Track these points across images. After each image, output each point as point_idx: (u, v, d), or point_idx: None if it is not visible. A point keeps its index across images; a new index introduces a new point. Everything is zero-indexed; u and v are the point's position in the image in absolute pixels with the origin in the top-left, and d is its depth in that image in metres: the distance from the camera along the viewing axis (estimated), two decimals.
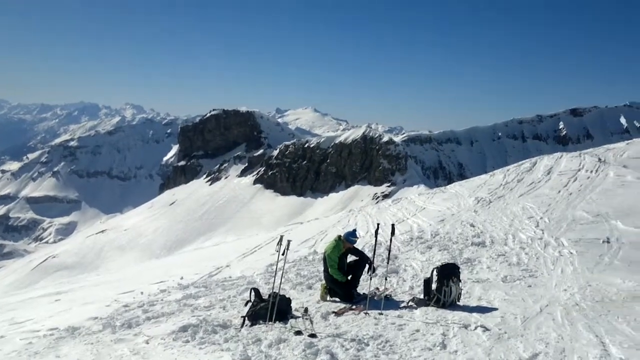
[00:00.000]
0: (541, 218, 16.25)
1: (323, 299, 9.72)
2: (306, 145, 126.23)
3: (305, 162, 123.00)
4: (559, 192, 20.30)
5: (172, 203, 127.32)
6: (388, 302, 8.89)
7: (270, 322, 8.18)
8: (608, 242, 12.90)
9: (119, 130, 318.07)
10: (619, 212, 16.14)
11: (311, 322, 7.99)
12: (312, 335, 7.26)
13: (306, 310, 8.68)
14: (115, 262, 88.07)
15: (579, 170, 23.81)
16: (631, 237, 13.45)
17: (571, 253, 11.87)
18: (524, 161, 30.19)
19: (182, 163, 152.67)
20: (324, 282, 9.90)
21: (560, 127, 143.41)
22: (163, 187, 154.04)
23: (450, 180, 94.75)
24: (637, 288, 9.21)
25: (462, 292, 8.92)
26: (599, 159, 25.32)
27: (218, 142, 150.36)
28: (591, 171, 23.13)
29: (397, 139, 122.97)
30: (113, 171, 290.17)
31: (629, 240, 13.10)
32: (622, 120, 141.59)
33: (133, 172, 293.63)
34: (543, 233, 14.22)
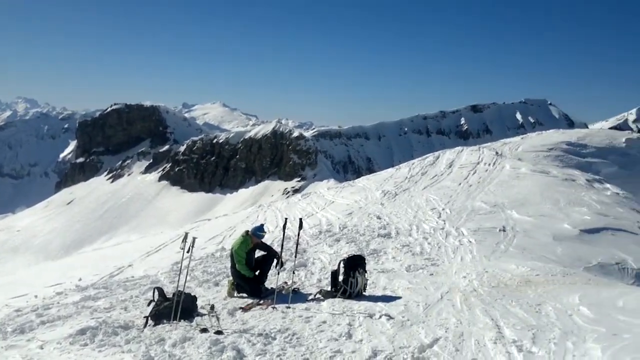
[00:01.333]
0: (443, 209, 17.03)
1: (230, 295, 9.61)
2: (215, 141, 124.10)
3: (213, 157, 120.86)
4: (460, 184, 21.36)
5: (70, 202, 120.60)
6: (296, 296, 8.94)
7: (174, 321, 7.97)
8: (504, 230, 13.77)
9: (10, 125, 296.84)
10: (514, 203, 17.29)
11: (217, 319, 7.87)
12: (219, 332, 7.17)
13: (212, 307, 8.53)
14: (7, 265, 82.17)
15: (478, 163, 25.17)
16: (525, 225, 14.46)
17: (470, 242, 12.55)
18: (428, 155, 31.43)
19: (81, 160, 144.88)
20: (231, 278, 9.79)
21: (462, 122, 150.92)
22: (60, 185, 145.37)
23: (359, 174, 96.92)
24: (529, 273, 9.90)
25: (368, 282, 9.16)
26: (497, 153, 26.91)
27: (120, 137, 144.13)
28: (489, 164, 24.54)
29: (308, 134, 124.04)
30: (4, 169, 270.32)
31: (522, 228, 14.08)
32: (518, 116, 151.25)
33: (26, 170, 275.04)
34: (445, 223, 14.92)
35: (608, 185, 21.02)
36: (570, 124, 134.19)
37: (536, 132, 38.26)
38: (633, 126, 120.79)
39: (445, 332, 6.67)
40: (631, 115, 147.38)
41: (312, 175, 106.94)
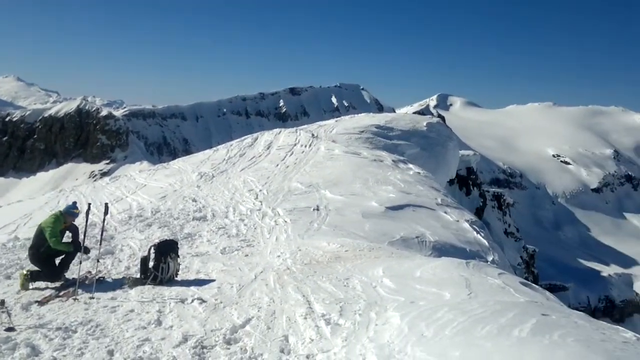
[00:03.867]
0: (260, 190, 17.35)
1: (24, 287, 8.74)
2: (7, 119, 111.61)
3: (6, 137, 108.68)
4: (277, 165, 21.93)
5: None
6: (101, 285, 8.45)
7: None
8: (317, 209, 14.48)
9: None
10: (328, 182, 18.24)
11: (9, 314, 7.13)
12: (10, 329, 6.52)
13: (2, 302, 7.70)
14: None
15: (295, 145, 26.05)
16: (337, 204, 15.36)
17: (286, 221, 12.99)
18: (246, 137, 31.64)
19: None
20: (23, 270, 8.91)
21: (281, 104, 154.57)
22: None
23: (175, 156, 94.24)
24: (339, 249, 10.56)
25: (181, 267, 9.01)
26: (312, 135, 28.08)
27: None
28: (306, 146, 25.53)
29: (118, 113, 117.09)
30: None
31: (334, 207, 14.93)
32: (333, 99, 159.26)
33: None
34: (262, 204, 15.23)
35: (411, 166, 23.19)
36: (380, 109, 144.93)
37: (349, 116, 40.69)
38: (434, 111, 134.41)
39: (258, 311, 6.85)
40: (432, 101, 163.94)
41: (122, 157, 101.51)
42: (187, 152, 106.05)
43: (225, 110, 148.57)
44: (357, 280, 8.08)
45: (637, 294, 75.41)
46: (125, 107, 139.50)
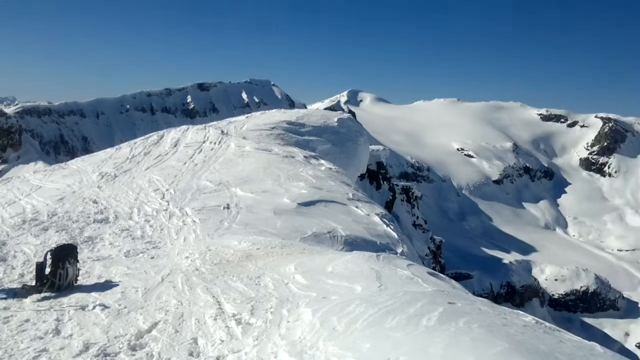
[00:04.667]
0: (167, 190, 16.86)
1: None
2: None
3: None
4: (185, 163, 21.40)
5: None
6: None
7: None
8: (228, 208, 14.28)
9: None
10: (239, 180, 18.04)
11: None
12: None
13: None
14: None
15: (204, 142, 25.54)
16: (248, 202, 15.22)
17: (194, 221, 12.70)
18: (151, 134, 30.66)
19: None
20: None
21: (189, 100, 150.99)
22: None
23: (74, 155, 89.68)
24: (251, 247, 10.47)
25: (81, 272, 8.58)
26: (222, 132, 27.65)
27: None
28: (215, 143, 25.09)
29: (9, 110, 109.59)
30: None
31: (245, 205, 14.79)
32: (244, 95, 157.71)
33: None
34: (168, 204, 14.80)
35: (322, 161, 23.42)
36: (292, 104, 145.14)
37: (260, 112, 40.44)
38: (344, 107, 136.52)
39: (165, 315, 6.65)
40: (343, 97, 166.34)
41: (15, 157, 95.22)
42: (87, 151, 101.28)
43: (128, 106, 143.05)
44: (269, 278, 8.04)
45: (535, 279, 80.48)
46: (17, 104, 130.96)
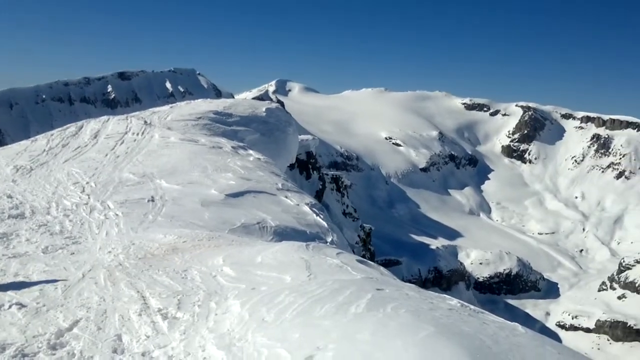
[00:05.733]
0: (87, 183, 16.25)
1: None
2: None
3: None
4: (107, 155, 20.69)
5: None
6: None
7: None
8: (153, 200, 13.96)
9: None
10: (163, 172, 17.64)
11: None
12: None
13: None
14: None
15: (126, 133, 24.76)
16: (173, 194, 14.93)
17: (117, 215, 12.32)
18: (70, 125, 29.42)
19: None
20: None
21: (109, 90, 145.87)
22: None
23: None
24: (177, 240, 10.29)
25: None
26: (145, 122, 26.90)
27: None
28: (138, 134, 24.38)
29: None
30: None
31: (171, 197, 14.50)
32: (168, 84, 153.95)
33: None
34: (89, 198, 14.28)
35: (251, 152, 23.28)
36: (219, 94, 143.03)
37: (185, 102, 39.62)
38: (273, 97, 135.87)
39: (87, 312, 6.45)
40: (271, 87, 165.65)
41: None
42: (0, 143, 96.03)
43: (44, 96, 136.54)
44: (196, 271, 7.95)
45: (461, 263, 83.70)
46: None
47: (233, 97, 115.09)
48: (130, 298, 6.81)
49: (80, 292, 7.13)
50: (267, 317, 5.66)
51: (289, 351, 4.69)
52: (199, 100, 39.40)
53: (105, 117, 29.83)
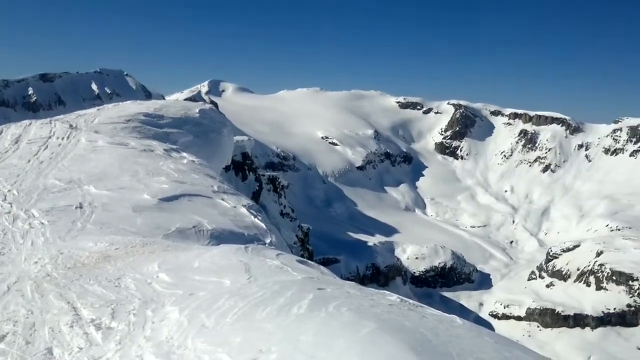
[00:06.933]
0: (9, 190, 15.49)
1: None
2: None
3: None
4: (29, 161, 19.80)
5: None
6: None
7: None
8: (81, 207, 13.46)
9: None
10: (92, 177, 17.04)
11: None
12: None
13: None
14: None
15: (50, 137, 23.78)
16: (103, 200, 14.44)
17: (42, 223, 11.82)
18: None
19: None
20: None
21: (30, 92, 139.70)
22: None
23: None
24: (108, 248, 9.97)
25: None
26: (71, 126, 25.92)
27: None
28: (63, 138, 23.46)
29: None
30: None
31: (101, 203, 14.03)
32: (94, 86, 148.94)
33: None
34: (11, 206, 13.61)
35: (184, 154, 22.85)
36: (148, 96, 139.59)
37: (113, 104, 38.46)
38: (206, 98, 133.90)
39: (14, 326, 6.15)
40: (204, 88, 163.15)
41: None
42: None
43: None
44: (130, 279, 7.73)
45: (398, 259, 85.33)
46: None
47: (164, 99, 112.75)
48: (61, 309, 6.55)
49: (6, 306, 6.79)
50: (207, 323, 5.57)
51: (230, 356, 4.64)
52: (128, 102, 38.28)
53: (26, 122, 28.53)
